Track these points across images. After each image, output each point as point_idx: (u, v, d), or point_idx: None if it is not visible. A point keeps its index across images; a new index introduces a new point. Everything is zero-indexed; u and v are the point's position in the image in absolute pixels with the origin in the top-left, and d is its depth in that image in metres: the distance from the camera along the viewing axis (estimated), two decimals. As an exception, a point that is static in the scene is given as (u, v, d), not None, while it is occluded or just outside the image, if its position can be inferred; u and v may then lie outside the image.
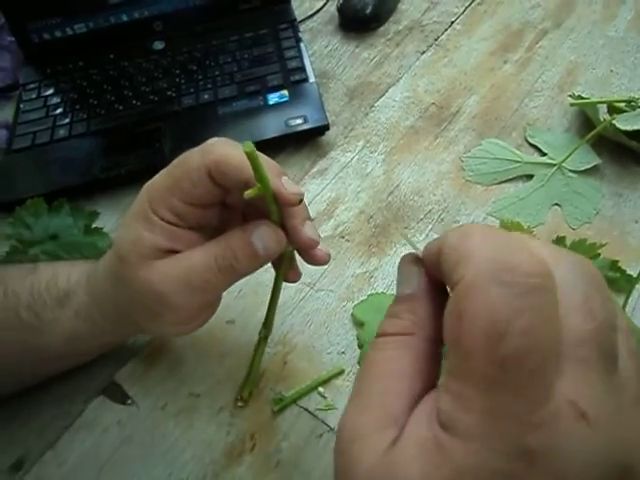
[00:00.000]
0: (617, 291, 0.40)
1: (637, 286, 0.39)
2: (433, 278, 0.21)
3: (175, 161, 0.30)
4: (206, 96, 0.56)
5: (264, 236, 0.29)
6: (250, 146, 0.25)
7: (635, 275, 0.40)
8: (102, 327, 0.34)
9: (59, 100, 0.58)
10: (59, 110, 0.57)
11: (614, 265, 0.41)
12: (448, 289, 0.20)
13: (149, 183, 0.30)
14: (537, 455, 0.15)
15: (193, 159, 0.29)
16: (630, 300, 0.39)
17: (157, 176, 0.30)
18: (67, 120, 0.56)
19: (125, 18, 0.62)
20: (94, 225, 0.48)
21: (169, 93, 0.57)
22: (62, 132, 0.55)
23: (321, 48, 0.63)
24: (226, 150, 0.28)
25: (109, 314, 0.33)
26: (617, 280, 0.40)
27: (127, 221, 0.31)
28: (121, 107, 0.56)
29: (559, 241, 0.41)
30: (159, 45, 0.63)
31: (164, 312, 0.31)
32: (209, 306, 0.33)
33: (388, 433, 0.17)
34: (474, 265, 0.16)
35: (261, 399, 0.38)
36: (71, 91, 0.59)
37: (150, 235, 0.29)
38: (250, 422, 0.37)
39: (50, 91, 0.59)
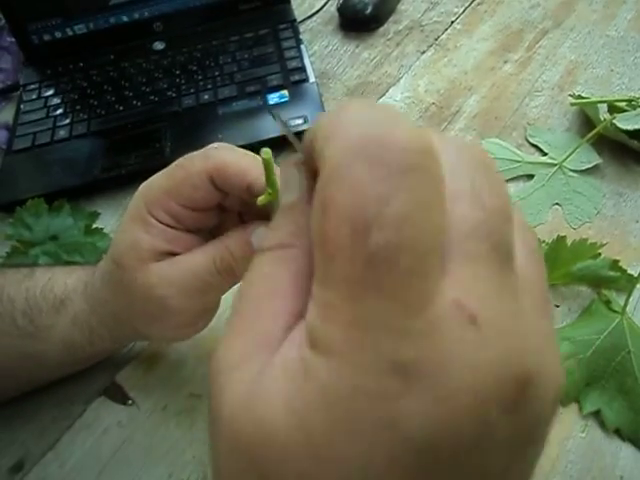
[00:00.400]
0: (618, 290, 0.40)
1: (638, 286, 0.39)
2: (316, 176, 0.16)
3: (174, 164, 0.29)
4: (206, 96, 0.56)
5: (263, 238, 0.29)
6: (268, 153, 0.24)
7: (636, 274, 0.40)
8: (99, 334, 0.34)
9: (59, 101, 0.58)
10: (59, 111, 0.57)
11: (615, 264, 0.41)
12: None
13: (144, 186, 0.30)
14: (414, 370, 0.12)
15: (194, 163, 0.29)
16: (631, 300, 0.38)
17: (153, 178, 0.30)
18: (67, 121, 0.56)
19: (125, 19, 0.62)
20: (94, 225, 0.48)
21: (169, 93, 0.57)
22: (62, 133, 0.55)
23: (321, 48, 0.63)
24: (228, 155, 0.28)
25: (107, 321, 0.33)
26: (618, 279, 0.40)
27: (123, 225, 0.30)
28: (121, 107, 0.56)
29: (560, 241, 0.41)
30: (159, 45, 0.63)
31: (164, 316, 0.30)
32: (208, 309, 0.33)
33: (260, 358, 0.15)
34: (339, 142, 0.13)
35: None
36: (71, 92, 0.59)
37: (148, 237, 0.29)
38: (251, 422, 0.37)
39: (50, 92, 0.59)
